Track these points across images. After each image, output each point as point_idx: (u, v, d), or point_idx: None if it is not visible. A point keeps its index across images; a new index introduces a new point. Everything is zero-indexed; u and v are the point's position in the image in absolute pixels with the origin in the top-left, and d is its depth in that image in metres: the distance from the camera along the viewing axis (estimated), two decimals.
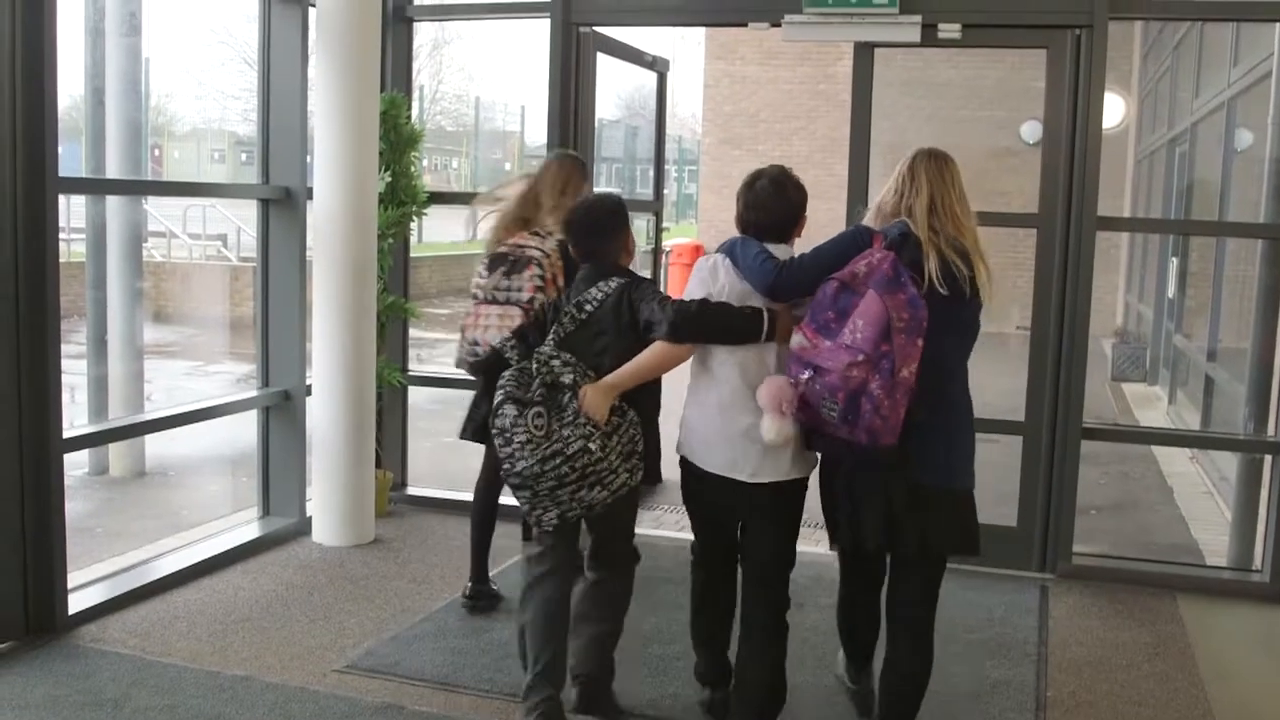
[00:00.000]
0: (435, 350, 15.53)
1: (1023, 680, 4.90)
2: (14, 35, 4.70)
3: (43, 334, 4.87)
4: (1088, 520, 7.21)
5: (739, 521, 4.17)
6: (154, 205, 20.44)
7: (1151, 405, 12.16)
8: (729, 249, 4.00)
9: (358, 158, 6.18)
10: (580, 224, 4.27)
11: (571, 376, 3.93)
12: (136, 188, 8.22)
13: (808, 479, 4.06)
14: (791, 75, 19.12)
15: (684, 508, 4.35)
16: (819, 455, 4.00)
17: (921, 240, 3.74)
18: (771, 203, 3.98)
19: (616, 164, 29.45)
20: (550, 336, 4.11)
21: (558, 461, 3.86)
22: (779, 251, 3.93)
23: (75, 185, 6.82)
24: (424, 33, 28.97)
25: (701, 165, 21.16)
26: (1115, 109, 13.87)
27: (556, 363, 3.97)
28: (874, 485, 3.81)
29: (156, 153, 28.52)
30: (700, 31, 20.89)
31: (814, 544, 6.70)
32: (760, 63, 19.37)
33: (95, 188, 7.73)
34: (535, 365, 3.99)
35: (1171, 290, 12.00)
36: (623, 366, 3.97)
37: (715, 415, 3.98)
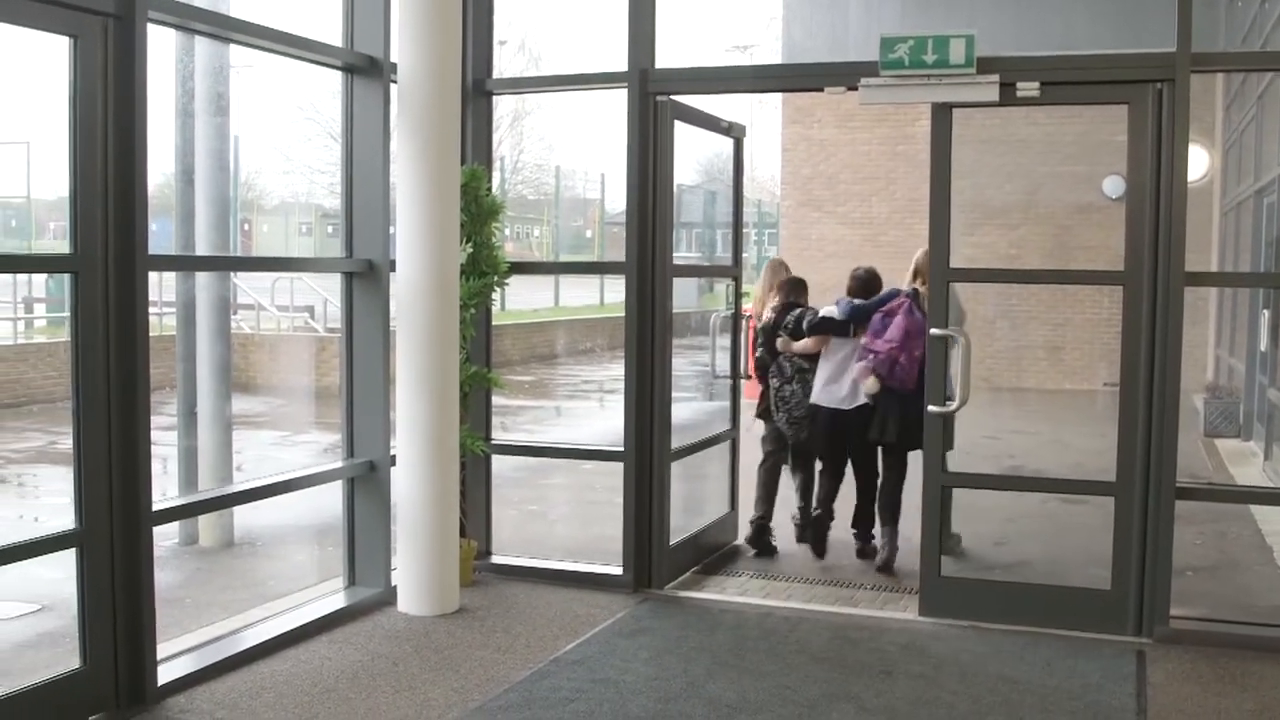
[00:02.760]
0: (519, 418, 15.62)
1: None
2: (106, 120, 4.84)
3: (133, 409, 4.97)
4: (1184, 582, 7.02)
5: (841, 435, 7.72)
6: (243, 278, 20.87)
7: (1246, 461, 11.86)
8: (836, 302, 7.84)
9: (439, 230, 6.26)
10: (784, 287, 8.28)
11: None
12: (223, 263, 8.38)
13: (871, 405, 7.49)
14: (869, 137, 19.09)
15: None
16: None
17: (920, 293, 7.33)
18: (865, 280, 7.87)
19: (696, 229, 29.52)
20: None
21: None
22: (860, 301, 7.71)
23: (165, 262, 6.99)
24: (504, 104, 29.43)
25: (781, 229, 21.13)
26: (1199, 161, 13.66)
27: None
28: (896, 410, 7.34)
29: (246, 227, 29.10)
30: (777, 95, 20.96)
31: (903, 609, 6.62)
32: (838, 125, 19.36)
33: (184, 264, 7.90)
34: None
35: (1264, 343, 11.73)
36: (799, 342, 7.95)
37: (828, 375, 7.77)
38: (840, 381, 7.71)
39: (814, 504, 7.92)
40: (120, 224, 4.91)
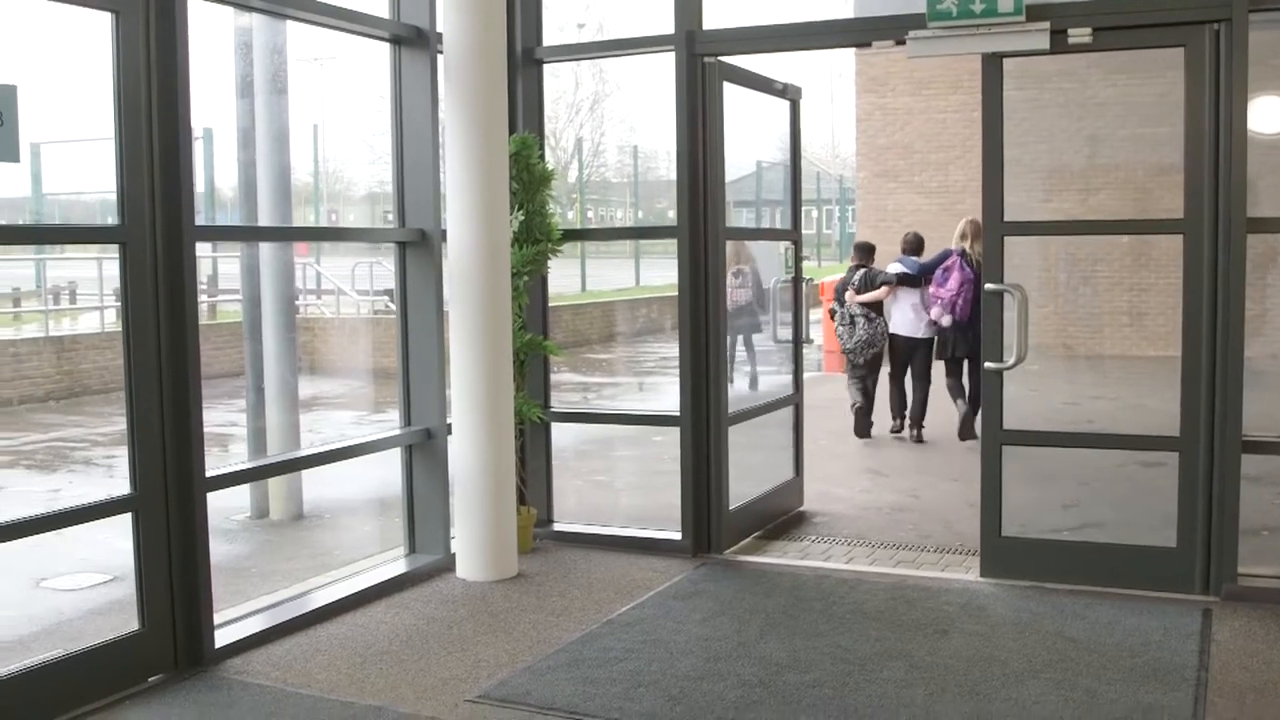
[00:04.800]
0: (601, 393, 15.67)
1: (1179, 706, 4.63)
2: (150, 93, 4.90)
3: (184, 377, 5.05)
4: (1260, 541, 6.82)
5: (910, 357, 11.05)
6: (325, 265, 21.19)
7: None
8: (898, 260, 11.10)
9: (488, 197, 6.27)
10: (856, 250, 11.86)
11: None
12: (270, 234, 8.34)
13: (934, 339, 10.92)
14: (944, 104, 18.81)
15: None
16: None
17: (968, 252, 10.34)
18: (914, 242, 11.38)
19: (779, 207, 29.36)
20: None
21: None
22: (925, 261, 11.06)
23: (211, 233, 7.06)
24: (585, 88, 29.48)
25: (858, 200, 20.92)
26: None
27: None
28: (955, 334, 10.52)
29: (333, 217, 29.58)
30: (852, 66, 20.74)
31: (964, 570, 6.53)
32: (912, 93, 19.11)
33: (230, 234, 8.00)
34: None
35: None
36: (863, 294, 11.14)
37: (901, 313, 11.05)
38: (913, 319, 11.00)
39: (861, 400, 11.31)
40: (166, 195, 4.98)
